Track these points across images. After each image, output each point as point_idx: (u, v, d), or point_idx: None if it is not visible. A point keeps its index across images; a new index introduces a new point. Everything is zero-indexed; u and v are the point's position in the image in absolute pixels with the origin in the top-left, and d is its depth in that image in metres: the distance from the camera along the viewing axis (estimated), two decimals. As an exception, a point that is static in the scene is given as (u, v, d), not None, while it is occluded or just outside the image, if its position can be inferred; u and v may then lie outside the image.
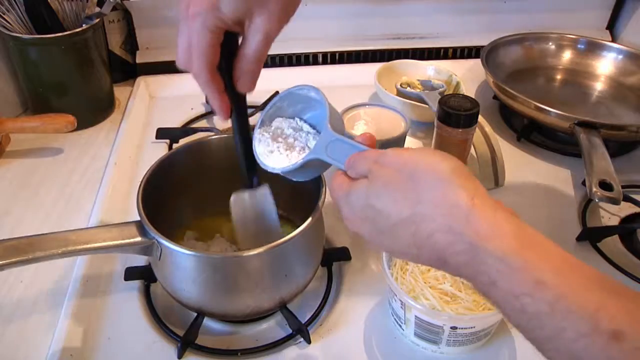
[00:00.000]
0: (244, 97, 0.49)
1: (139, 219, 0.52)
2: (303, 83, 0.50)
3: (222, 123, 0.87)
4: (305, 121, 0.53)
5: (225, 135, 0.66)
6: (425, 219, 0.37)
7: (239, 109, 0.50)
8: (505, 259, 0.34)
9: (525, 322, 0.34)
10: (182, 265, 0.51)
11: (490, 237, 0.35)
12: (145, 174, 0.56)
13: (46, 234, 0.51)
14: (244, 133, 0.52)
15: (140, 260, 0.61)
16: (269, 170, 0.51)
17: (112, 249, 0.52)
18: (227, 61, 0.47)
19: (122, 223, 0.53)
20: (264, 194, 0.55)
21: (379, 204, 0.40)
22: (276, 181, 0.62)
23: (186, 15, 0.44)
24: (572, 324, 0.31)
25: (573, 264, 0.34)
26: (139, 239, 0.52)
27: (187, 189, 0.63)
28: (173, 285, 0.53)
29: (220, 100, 0.48)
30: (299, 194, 0.60)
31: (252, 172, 0.54)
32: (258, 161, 0.51)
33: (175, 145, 0.83)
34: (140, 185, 0.55)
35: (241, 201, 0.55)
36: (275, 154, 0.51)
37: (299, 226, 0.51)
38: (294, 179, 0.51)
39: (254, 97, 0.92)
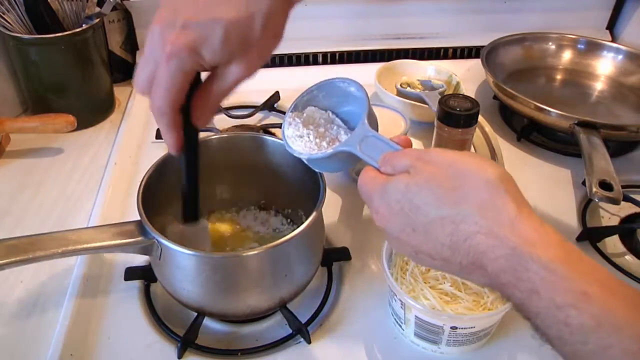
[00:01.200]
0: (197, 132, 0.48)
1: (139, 218, 0.52)
2: (346, 77, 0.51)
3: (223, 123, 0.88)
4: (337, 115, 0.53)
5: (226, 135, 0.66)
6: (466, 219, 0.36)
7: (191, 145, 0.48)
8: (551, 266, 0.33)
9: (568, 336, 0.33)
10: (182, 264, 0.51)
11: (535, 244, 0.34)
12: (145, 173, 0.56)
13: (46, 233, 0.51)
14: (192, 169, 0.50)
15: (140, 260, 0.61)
16: (295, 154, 0.50)
17: (112, 248, 0.52)
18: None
19: (122, 223, 0.53)
20: (203, 228, 0.55)
21: (418, 199, 0.38)
22: (276, 180, 0.62)
23: (160, 52, 0.41)
24: (619, 341, 0.30)
25: (617, 281, 0.33)
26: (139, 238, 0.52)
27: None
28: (173, 285, 0.53)
29: (177, 137, 0.45)
30: (299, 194, 0.60)
31: (193, 209, 0.53)
32: (285, 143, 0.51)
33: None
34: (140, 185, 0.55)
35: (180, 234, 0.54)
36: (305, 139, 0.51)
37: (299, 226, 0.51)
38: (317, 169, 0.51)
39: (254, 97, 0.92)
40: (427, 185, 0.38)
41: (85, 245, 0.51)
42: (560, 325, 0.33)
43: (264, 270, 0.52)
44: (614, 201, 0.64)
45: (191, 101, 0.44)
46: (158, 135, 0.84)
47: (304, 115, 0.53)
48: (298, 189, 0.60)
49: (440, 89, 0.89)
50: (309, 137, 0.51)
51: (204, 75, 0.45)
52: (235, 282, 0.52)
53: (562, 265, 0.33)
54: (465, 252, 0.36)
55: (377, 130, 0.48)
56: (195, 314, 0.55)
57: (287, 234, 0.51)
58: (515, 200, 0.36)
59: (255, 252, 0.50)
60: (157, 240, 0.51)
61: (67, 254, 0.51)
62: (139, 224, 0.52)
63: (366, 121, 0.47)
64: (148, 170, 0.57)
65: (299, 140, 0.51)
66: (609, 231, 0.70)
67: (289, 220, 0.66)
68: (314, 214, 0.52)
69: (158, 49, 0.41)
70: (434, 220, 0.38)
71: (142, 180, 0.55)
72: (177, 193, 0.61)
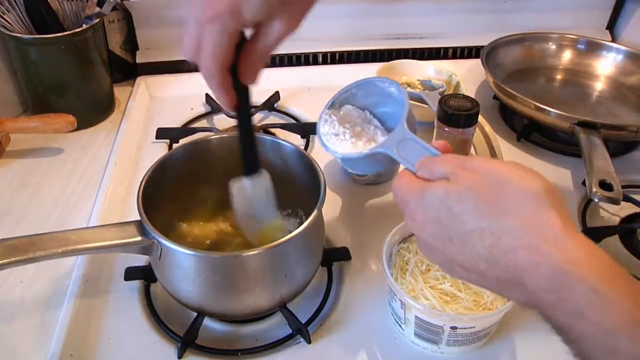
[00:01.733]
0: (247, 89, 0.49)
1: (139, 218, 0.52)
2: (385, 77, 0.51)
3: (223, 123, 0.88)
4: (374, 115, 0.52)
5: (226, 135, 0.66)
6: (508, 233, 0.35)
7: (243, 102, 0.49)
8: (599, 288, 0.31)
9: None
10: (182, 264, 0.51)
11: (582, 263, 0.32)
12: (145, 174, 0.56)
13: (46, 233, 0.51)
14: (247, 124, 0.51)
15: (140, 260, 0.61)
16: (329, 152, 0.50)
17: (112, 248, 0.52)
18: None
19: (122, 223, 0.53)
20: (264, 180, 0.55)
21: (457, 207, 0.37)
22: (276, 180, 0.62)
23: (202, 16, 0.41)
24: None
25: None
26: (139, 238, 0.52)
27: (187, 189, 0.63)
28: (173, 285, 0.53)
29: (229, 96, 0.46)
30: (299, 194, 0.60)
31: (252, 161, 0.53)
32: (319, 140, 0.51)
33: (175, 145, 0.83)
34: (140, 185, 0.55)
35: (240, 187, 0.55)
36: (340, 138, 0.50)
37: (299, 226, 0.51)
38: (349, 168, 0.51)
39: (254, 97, 0.92)
40: (467, 193, 0.37)
41: (85, 245, 0.51)
42: (607, 352, 0.31)
43: (264, 270, 0.52)
44: (614, 201, 0.64)
45: (238, 60, 0.45)
46: (158, 135, 0.84)
47: (341, 113, 0.52)
48: (298, 188, 0.60)
49: (440, 89, 0.89)
50: (344, 136, 0.50)
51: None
52: (235, 282, 0.52)
53: (612, 287, 0.31)
54: (505, 266, 0.35)
55: (415, 131, 0.47)
56: (195, 314, 0.55)
57: (287, 234, 0.51)
58: (560, 215, 0.35)
59: (255, 252, 0.50)
60: (157, 240, 0.51)
61: (67, 254, 0.51)
62: (139, 224, 0.52)
63: (405, 123, 0.46)
64: (148, 171, 0.57)
65: (335, 138, 0.50)
66: (609, 231, 0.70)
67: (289, 219, 0.66)
68: (314, 213, 0.52)
69: (200, 13, 0.41)
70: (472, 231, 0.36)
71: (142, 180, 0.55)
72: (178, 192, 0.61)
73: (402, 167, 0.46)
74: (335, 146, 0.50)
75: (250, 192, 0.55)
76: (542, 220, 0.34)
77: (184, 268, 0.51)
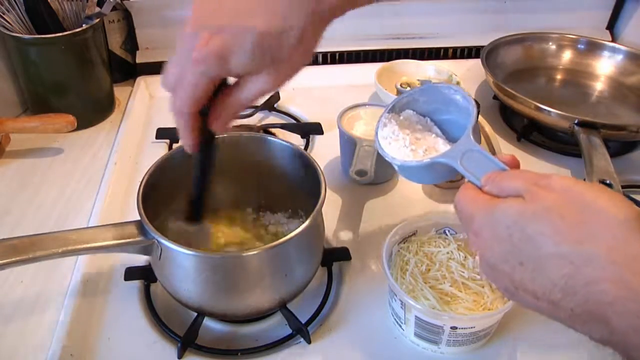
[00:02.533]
0: (213, 135, 0.47)
1: (139, 218, 0.52)
2: (445, 83, 0.48)
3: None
4: (435, 123, 0.50)
5: (225, 135, 0.65)
6: (591, 262, 0.31)
7: (207, 146, 0.47)
8: None
9: None
10: (182, 265, 0.51)
11: None
12: (146, 173, 0.56)
13: (46, 233, 0.51)
14: (204, 172, 0.50)
15: (140, 260, 0.61)
16: (387, 158, 0.48)
17: (112, 248, 0.52)
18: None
19: (122, 223, 0.53)
20: (205, 229, 0.54)
21: (533, 229, 0.34)
22: (276, 180, 0.62)
23: (189, 55, 0.40)
24: None
25: None
26: (138, 238, 0.51)
27: (187, 189, 0.63)
28: (173, 285, 0.53)
29: (193, 138, 0.45)
30: (300, 194, 0.60)
31: (197, 212, 0.52)
32: (377, 145, 0.48)
33: (175, 145, 0.83)
34: (140, 185, 0.55)
35: (181, 230, 0.54)
36: (400, 143, 0.48)
37: (300, 225, 0.51)
38: (406, 177, 0.48)
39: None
40: (546, 215, 0.34)
41: (85, 245, 0.51)
42: None
43: (264, 270, 0.52)
44: (614, 201, 0.64)
45: (212, 103, 0.43)
46: (158, 135, 0.84)
47: (401, 117, 0.50)
48: (298, 188, 0.60)
49: (440, 89, 0.89)
50: (404, 142, 0.47)
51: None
52: (235, 282, 0.52)
53: None
54: (583, 299, 0.32)
55: (480, 142, 0.46)
56: (195, 314, 0.55)
57: (287, 234, 0.51)
58: None
59: (255, 252, 0.50)
60: (157, 240, 0.51)
61: (67, 254, 0.51)
62: (139, 224, 0.52)
63: (471, 134, 0.43)
64: (148, 170, 0.57)
65: (393, 144, 0.48)
66: (609, 231, 0.70)
67: (289, 219, 0.66)
68: (313, 213, 0.52)
69: (186, 51, 0.40)
70: (548, 256, 0.33)
71: (142, 180, 0.55)
72: (178, 192, 0.61)
73: (459, 180, 0.43)
74: (394, 152, 0.47)
75: (189, 239, 0.53)
76: (632, 251, 0.31)
77: (184, 268, 0.51)
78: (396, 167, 0.47)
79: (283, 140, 0.62)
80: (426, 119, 0.50)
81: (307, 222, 0.52)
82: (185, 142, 0.45)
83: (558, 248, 0.33)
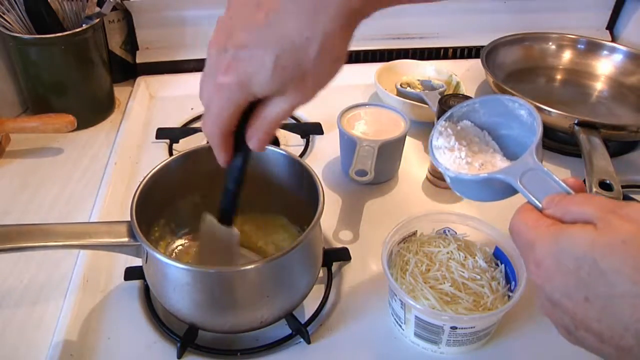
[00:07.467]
0: (249, 151, 0.45)
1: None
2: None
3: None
4: (492, 138, 0.47)
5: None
6: None
7: (242, 161, 0.46)
8: None
9: None
10: (164, 272, 0.51)
11: None
12: (145, 175, 0.56)
13: (36, 224, 0.51)
14: (236, 185, 0.48)
15: (140, 260, 0.61)
16: (440, 168, 0.45)
17: (102, 247, 0.52)
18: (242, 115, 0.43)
19: (114, 221, 0.53)
20: (234, 235, 0.52)
21: (606, 263, 0.30)
22: (275, 188, 0.61)
23: (214, 74, 0.39)
24: None
25: None
26: (125, 239, 0.51)
27: (187, 193, 0.62)
28: (157, 291, 0.53)
29: (224, 156, 0.44)
30: (299, 201, 0.59)
31: (229, 216, 0.51)
32: (431, 155, 0.46)
33: (175, 145, 0.83)
34: (138, 186, 0.54)
35: (212, 226, 0.53)
36: (455, 155, 0.45)
37: (300, 232, 0.50)
38: (457, 191, 0.46)
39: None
40: (623, 248, 0.30)
41: (73, 242, 0.50)
42: None
43: (254, 286, 0.51)
44: (614, 201, 0.64)
45: (248, 122, 0.43)
46: (158, 135, 0.84)
47: (458, 127, 0.47)
48: (297, 196, 0.59)
49: (440, 89, 0.89)
50: (460, 154, 0.45)
51: None
52: (221, 296, 0.51)
53: None
54: None
55: (542, 161, 0.42)
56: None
57: (286, 243, 0.49)
58: None
59: (241, 268, 0.49)
60: (142, 245, 0.50)
61: (56, 248, 0.50)
62: (129, 225, 0.51)
63: (535, 152, 0.40)
64: (148, 172, 0.56)
65: (448, 154, 0.45)
66: (609, 231, 0.70)
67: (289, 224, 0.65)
68: (310, 227, 0.51)
69: (213, 73, 0.40)
70: (622, 296, 0.30)
71: (142, 180, 0.55)
72: (178, 191, 0.61)
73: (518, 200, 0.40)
74: (447, 163, 0.45)
75: (218, 232, 0.52)
76: None
77: (165, 275, 0.51)
78: (448, 179, 0.45)
79: (281, 150, 0.60)
80: (484, 132, 0.48)
81: (303, 236, 0.50)
82: (218, 157, 0.45)
83: (635, 288, 0.29)
